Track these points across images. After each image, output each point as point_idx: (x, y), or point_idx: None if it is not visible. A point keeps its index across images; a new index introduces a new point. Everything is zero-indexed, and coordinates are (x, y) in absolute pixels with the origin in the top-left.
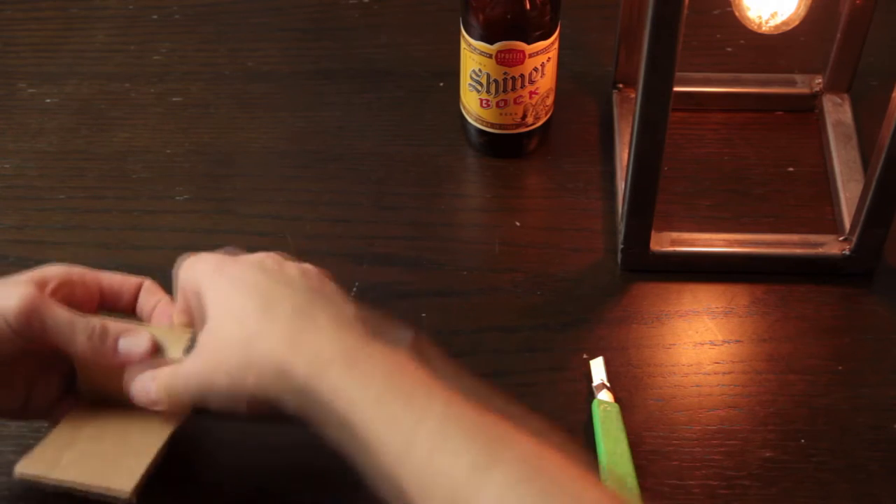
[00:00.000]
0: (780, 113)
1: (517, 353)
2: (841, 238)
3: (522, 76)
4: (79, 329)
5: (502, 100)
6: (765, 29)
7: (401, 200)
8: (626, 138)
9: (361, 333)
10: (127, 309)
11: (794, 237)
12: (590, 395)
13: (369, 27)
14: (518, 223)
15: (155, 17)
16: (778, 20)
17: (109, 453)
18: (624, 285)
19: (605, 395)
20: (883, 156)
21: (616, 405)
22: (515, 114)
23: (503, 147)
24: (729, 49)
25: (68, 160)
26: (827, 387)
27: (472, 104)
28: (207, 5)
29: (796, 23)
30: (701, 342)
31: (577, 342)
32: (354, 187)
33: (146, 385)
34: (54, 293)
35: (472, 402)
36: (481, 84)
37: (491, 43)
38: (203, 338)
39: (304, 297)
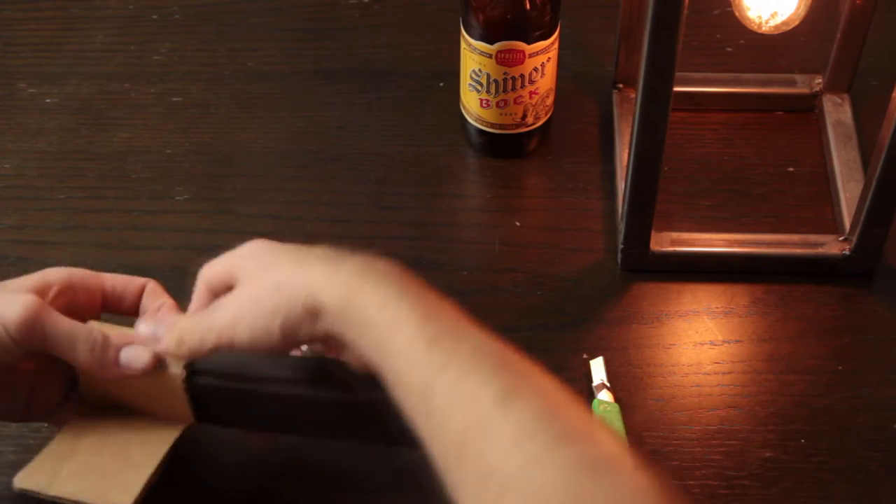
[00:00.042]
0: (780, 113)
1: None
2: (841, 238)
3: (522, 76)
4: (80, 340)
5: (502, 100)
6: (765, 29)
7: (401, 200)
8: (626, 138)
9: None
10: (130, 311)
11: (794, 237)
12: (590, 395)
13: (369, 27)
14: (518, 223)
15: (155, 17)
16: (778, 20)
17: (109, 466)
18: (624, 285)
19: (605, 395)
20: (883, 156)
21: (616, 405)
22: (515, 114)
23: (503, 147)
24: (729, 49)
25: (68, 160)
26: (827, 387)
27: (472, 104)
28: (207, 5)
29: (796, 23)
30: (701, 342)
31: (577, 342)
32: (354, 187)
33: (158, 331)
34: (56, 298)
35: (499, 339)
36: (481, 84)
37: (491, 43)
38: (227, 298)
39: (330, 251)
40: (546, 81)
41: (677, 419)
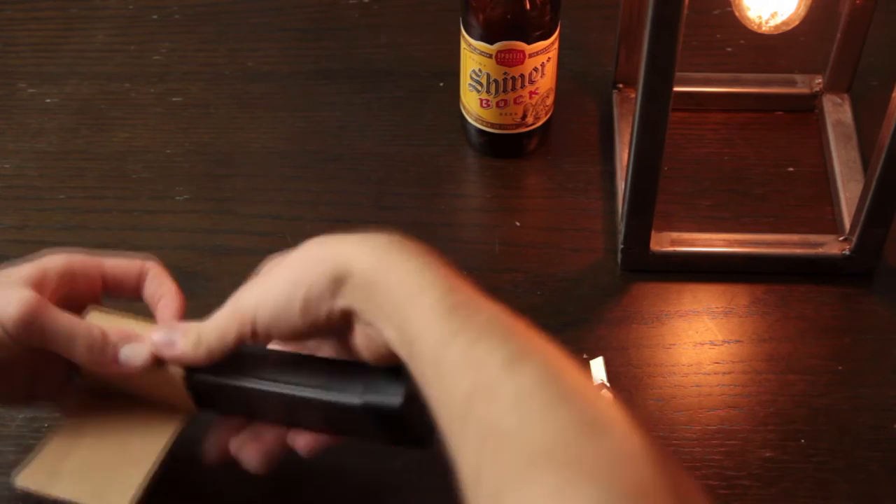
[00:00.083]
0: (780, 113)
1: None
2: (841, 238)
3: (522, 76)
4: (79, 338)
5: (502, 100)
6: (765, 29)
7: (401, 200)
8: (626, 138)
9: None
10: (132, 294)
11: (794, 237)
12: None
13: (369, 27)
14: (518, 223)
15: (155, 17)
16: (778, 20)
17: (109, 464)
18: (624, 285)
19: (605, 395)
20: (883, 156)
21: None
22: (515, 114)
23: (503, 147)
24: (729, 49)
25: (68, 160)
26: (827, 387)
27: (472, 104)
28: (207, 5)
29: (796, 23)
30: (701, 342)
31: (577, 342)
32: (354, 187)
33: (172, 336)
34: (55, 289)
35: (513, 314)
36: (481, 84)
37: (491, 43)
38: (247, 284)
39: (356, 233)
40: (546, 81)
41: (677, 419)
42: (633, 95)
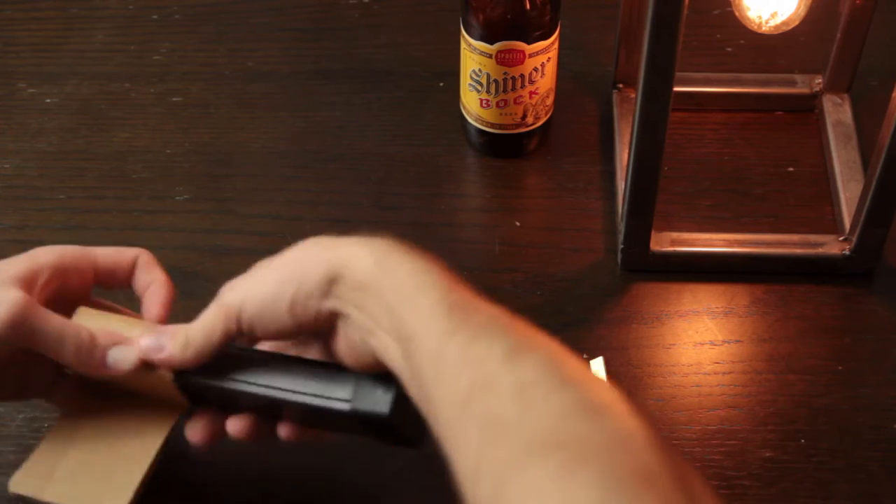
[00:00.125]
0: (780, 113)
1: None
2: (841, 238)
3: (522, 76)
4: (67, 340)
5: (502, 100)
6: (765, 29)
7: (401, 200)
8: (626, 138)
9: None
10: (123, 285)
11: (794, 237)
12: None
13: (369, 27)
14: (518, 223)
15: (155, 17)
16: (778, 20)
17: (102, 466)
18: (624, 285)
19: None
20: (883, 156)
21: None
22: (515, 114)
23: (503, 147)
24: (729, 49)
25: (68, 160)
26: (827, 387)
27: (472, 104)
28: (207, 5)
29: (796, 23)
30: (701, 342)
31: (577, 342)
32: (354, 187)
33: (160, 340)
34: (47, 285)
35: (512, 314)
36: (481, 84)
37: (491, 43)
38: (237, 279)
39: (354, 236)
40: (546, 81)
41: (677, 419)
42: (633, 95)
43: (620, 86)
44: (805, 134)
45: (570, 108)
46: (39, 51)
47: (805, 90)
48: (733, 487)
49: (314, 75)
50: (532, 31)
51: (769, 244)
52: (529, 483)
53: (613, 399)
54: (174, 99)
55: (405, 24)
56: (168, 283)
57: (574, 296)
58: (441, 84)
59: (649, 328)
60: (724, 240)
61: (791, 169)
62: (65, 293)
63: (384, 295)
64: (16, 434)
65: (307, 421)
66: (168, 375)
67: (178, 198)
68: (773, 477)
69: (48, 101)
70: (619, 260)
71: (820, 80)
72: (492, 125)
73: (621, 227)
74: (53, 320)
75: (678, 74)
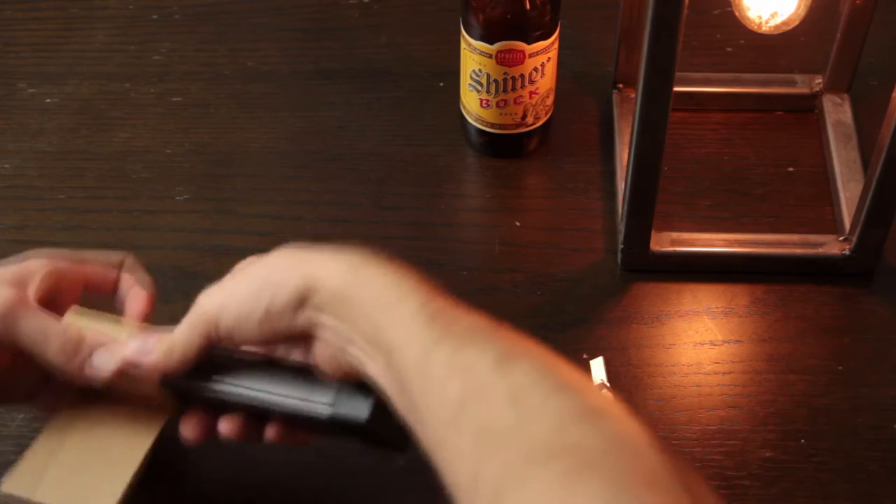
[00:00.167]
0: (780, 113)
1: None
2: (841, 238)
3: (522, 76)
4: (52, 338)
5: (502, 100)
6: (765, 29)
7: (401, 200)
8: (626, 138)
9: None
10: (112, 289)
11: (794, 237)
12: None
13: (369, 27)
14: (518, 223)
15: (155, 17)
16: (778, 20)
17: (92, 468)
18: (624, 285)
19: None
20: (883, 156)
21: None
22: (515, 114)
23: (503, 147)
24: (729, 49)
25: (68, 160)
26: (827, 387)
27: (472, 104)
28: (207, 5)
29: (796, 23)
30: (701, 342)
31: (577, 342)
32: (354, 187)
33: (147, 345)
34: (38, 290)
35: (494, 320)
36: (481, 84)
37: (491, 43)
38: (214, 286)
39: (328, 247)
40: (546, 81)
41: (677, 419)
42: (633, 95)
43: (620, 86)
44: (805, 134)
45: (570, 108)
46: (39, 51)
47: (805, 90)
48: (733, 487)
49: (314, 75)
50: (532, 31)
51: (769, 244)
52: (533, 492)
53: (610, 403)
54: (174, 99)
55: (405, 24)
56: (150, 283)
57: (574, 296)
58: (441, 84)
59: (649, 328)
60: (724, 240)
61: (791, 169)
62: (56, 299)
63: (360, 307)
64: (16, 434)
65: (290, 424)
66: (155, 379)
67: (178, 198)
68: (773, 477)
69: (48, 101)
70: (619, 260)
71: (820, 80)
72: (492, 125)
73: (621, 227)
74: (39, 317)
75: (678, 74)
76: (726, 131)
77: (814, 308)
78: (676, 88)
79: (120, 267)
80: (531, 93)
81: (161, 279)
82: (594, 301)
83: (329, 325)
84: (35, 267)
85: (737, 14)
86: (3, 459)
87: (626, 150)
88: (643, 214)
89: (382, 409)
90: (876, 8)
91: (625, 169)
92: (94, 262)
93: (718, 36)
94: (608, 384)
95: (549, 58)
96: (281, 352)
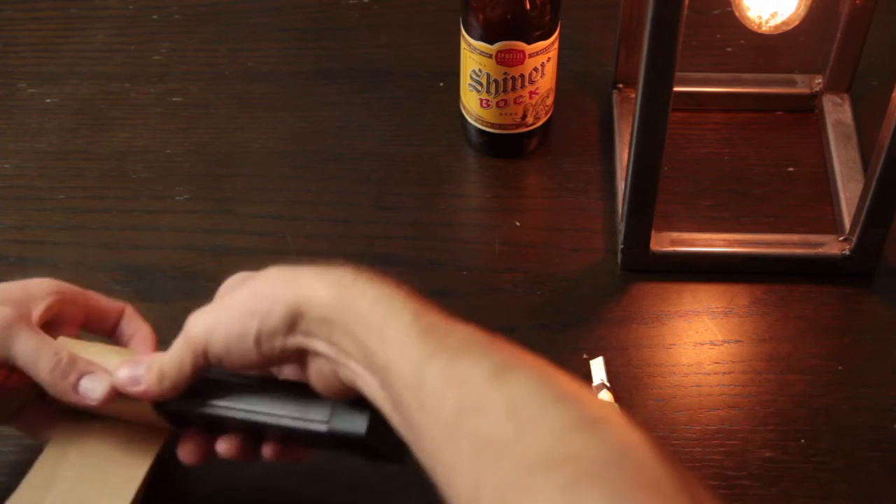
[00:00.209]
0: (780, 113)
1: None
2: (841, 238)
3: (522, 76)
4: (44, 358)
5: (502, 100)
6: (765, 29)
7: (401, 200)
8: (626, 138)
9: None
10: (108, 333)
11: (794, 237)
12: None
13: (369, 27)
14: (518, 223)
15: (155, 17)
16: (778, 20)
17: (91, 492)
18: (624, 285)
19: (605, 395)
20: (883, 156)
21: (616, 405)
22: (515, 114)
23: (503, 147)
24: (729, 49)
25: (68, 160)
26: (827, 387)
27: (472, 104)
28: (207, 5)
29: (796, 23)
30: (701, 342)
31: (577, 342)
32: (354, 187)
33: (137, 373)
34: (41, 314)
35: (488, 332)
36: (481, 84)
37: (491, 43)
38: (202, 309)
39: (314, 265)
40: (546, 81)
41: (677, 419)
42: (633, 95)
43: (620, 86)
44: (805, 134)
45: (570, 108)
46: (39, 51)
47: (805, 90)
48: (733, 487)
49: (314, 75)
50: (532, 31)
51: (769, 244)
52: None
53: (609, 412)
54: (174, 99)
55: (405, 24)
56: (152, 333)
57: (574, 296)
58: (441, 84)
59: (649, 328)
60: (724, 240)
61: (791, 169)
62: (57, 325)
63: (350, 327)
64: (16, 434)
65: (288, 442)
66: (148, 403)
67: (178, 198)
68: (773, 477)
69: (48, 101)
70: (619, 260)
71: (820, 80)
72: (492, 125)
73: (621, 227)
74: (33, 337)
75: (678, 74)
76: (726, 131)
77: (814, 308)
78: (676, 88)
79: (120, 314)
80: (531, 93)
81: (161, 279)
82: (594, 301)
83: (320, 347)
84: (40, 290)
85: (737, 14)
86: (3, 459)
87: (626, 150)
88: (643, 214)
89: (379, 422)
90: (876, 8)
91: (625, 169)
92: (98, 302)
93: (718, 36)
94: (608, 384)
95: (549, 58)
96: (273, 371)
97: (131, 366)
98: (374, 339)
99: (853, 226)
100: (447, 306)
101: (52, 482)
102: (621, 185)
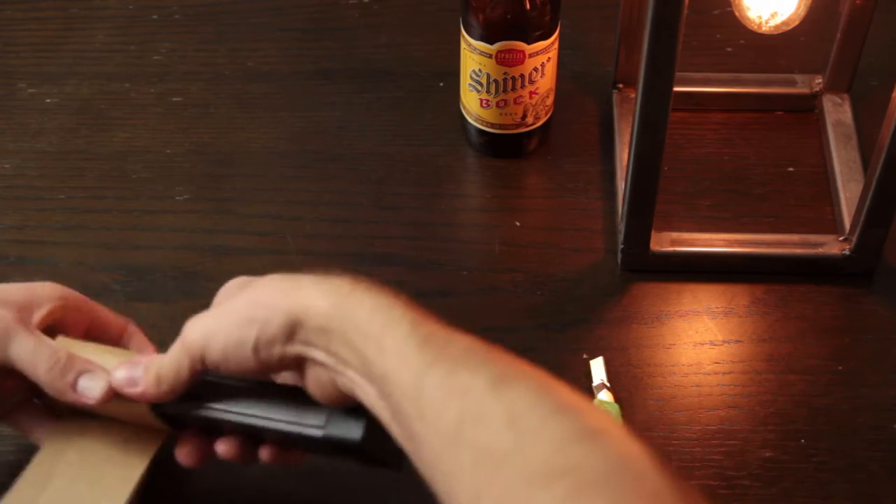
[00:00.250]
0: (780, 113)
1: (517, 353)
2: (841, 238)
3: (522, 76)
4: (41, 358)
5: (502, 100)
6: (765, 29)
7: (401, 200)
8: (626, 138)
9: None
10: (116, 340)
11: (794, 237)
12: (590, 395)
13: (369, 27)
14: (518, 223)
15: (155, 17)
16: (778, 20)
17: (87, 491)
18: (624, 285)
19: (605, 395)
20: (883, 156)
21: (616, 405)
22: (515, 114)
23: (503, 147)
24: (729, 49)
25: (68, 160)
26: (827, 387)
27: (472, 104)
28: (207, 5)
29: (796, 23)
30: (701, 342)
31: (577, 342)
32: (354, 187)
33: (134, 374)
34: (45, 318)
35: (487, 342)
36: (481, 84)
37: (491, 43)
38: (201, 315)
39: (312, 274)
40: (546, 81)
41: (677, 419)
42: (633, 95)
43: (620, 86)
44: (805, 134)
45: (570, 108)
46: (39, 51)
47: (805, 90)
48: (733, 487)
49: (314, 75)
50: (532, 31)
51: (769, 244)
52: None
53: (609, 423)
54: (174, 99)
55: (405, 24)
56: (155, 350)
57: (574, 296)
58: (441, 84)
59: (649, 328)
60: (724, 240)
61: (791, 169)
62: (61, 329)
63: (349, 336)
64: (16, 434)
65: (284, 446)
66: (145, 405)
67: (178, 198)
68: (773, 477)
69: (48, 101)
70: (619, 260)
71: (820, 80)
72: (492, 125)
73: (621, 227)
74: (31, 337)
75: (678, 74)
76: (726, 131)
77: (814, 308)
78: (676, 88)
79: (124, 330)
80: (531, 93)
81: (161, 279)
82: (594, 301)
83: (319, 356)
84: (44, 294)
85: (737, 14)
86: (3, 459)
87: (626, 150)
88: (643, 214)
89: (376, 429)
90: (876, 8)
91: (625, 169)
92: (104, 314)
93: (718, 36)
94: (608, 384)
95: (549, 58)
96: (271, 377)
97: (129, 367)
98: (373, 349)
99: (853, 226)
100: (447, 306)
101: (48, 480)
102: (621, 185)
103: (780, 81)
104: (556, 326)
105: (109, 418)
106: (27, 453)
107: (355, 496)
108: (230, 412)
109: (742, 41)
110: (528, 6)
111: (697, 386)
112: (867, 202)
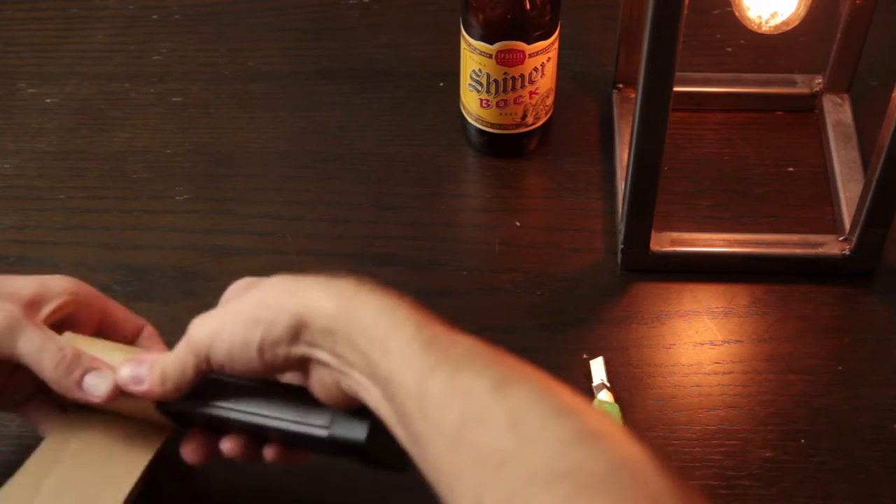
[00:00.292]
0: (780, 113)
1: (517, 353)
2: (841, 238)
3: (522, 76)
4: (47, 355)
5: (502, 100)
6: (765, 29)
7: (401, 200)
8: (626, 138)
9: (389, 290)
10: (131, 339)
11: (794, 237)
12: (590, 395)
13: (369, 27)
14: (518, 223)
15: (155, 17)
16: (778, 20)
17: (88, 484)
18: (624, 285)
19: (605, 395)
20: (883, 156)
21: (616, 405)
22: (515, 114)
23: (503, 147)
24: (729, 49)
25: (68, 160)
26: (827, 387)
27: (472, 104)
28: (207, 5)
29: (796, 23)
30: (701, 342)
31: (577, 342)
32: (354, 187)
33: (140, 372)
34: (54, 314)
35: (491, 344)
36: (481, 84)
37: (491, 43)
38: (206, 314)
39: (317, 276)
40: (546, 81)
41: (677, 419)
42: (633, 95)
43: (620, 86)
44: (805, 134)
45: (570, 108)
46: (39, 51)
47: (805, 90)
48: (733, 487)
49: (314, 75)
50: (532, 31)
51: (769, 244)
52: None
53: (609, 425)
54: (174, 99)
55: (405, 24)
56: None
57: (574, 296)
58: (441, 84)
59: (649, 328)
60: (724, 240)
61: (791, 169)
62: (69, 328)
63: (353, 338)
64: (16, 434)
65: (289, 445)
66: (150, 402)
67: (178, 198)
68: (773, 477)
69: (48, 101)
70: (619, 260)
71: (820, 80)
72: (492, 125)
73: (621, 227)
74: (38, 333)
75: (678, 74)
76: (726, 131)
77: (814, 308)
78: (676, 88)
79: (139, 330)
80: (531, 93)
81: (161, 279)
82: (594, 301)
83: (323, 357)
84: (56, 287)
85: (737, 14)
86: (3, 459)
87: (626, 150)
88: (643, 214)
89: (380, 430)
90: (876, 8)
91: (625, 169)
92: (116, 310)
93: (718, 36)
94: (608, 384)
95: (549, 58)
96: (276, 377)
97: (134, 364)
98: (377, 351)
99: (853, 226)
100: (447, 306)
101: (51, 469)
102: (621, 185)
103: (780, 81)
104: (556, 326)
105: (115, 414)
106: (27, 453)
107: (357, 496)
108: (235, 411)
109: (742, 41)
110: (528, 6)
111: (697, 386)
112: (867, 202)
